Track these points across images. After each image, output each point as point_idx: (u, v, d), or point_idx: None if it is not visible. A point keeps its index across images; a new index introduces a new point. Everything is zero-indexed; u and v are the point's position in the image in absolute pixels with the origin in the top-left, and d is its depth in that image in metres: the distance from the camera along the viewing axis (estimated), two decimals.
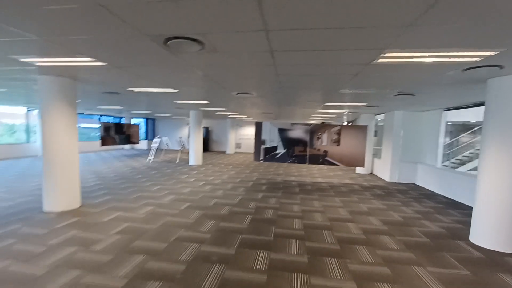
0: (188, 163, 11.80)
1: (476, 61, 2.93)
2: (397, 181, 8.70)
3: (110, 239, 3.60)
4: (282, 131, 8.57)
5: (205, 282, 2.68)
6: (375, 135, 11.05)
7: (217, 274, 2.82)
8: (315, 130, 8.30)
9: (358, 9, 1.82)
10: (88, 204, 5.14)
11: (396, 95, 5.37)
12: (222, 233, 3.94)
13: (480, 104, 5.91)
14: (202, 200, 5.74)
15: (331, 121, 15.99)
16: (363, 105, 7.30)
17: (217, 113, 12.27)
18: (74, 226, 3.99)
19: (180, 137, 14.99)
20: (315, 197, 6.38)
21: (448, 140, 11.49)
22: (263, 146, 8.70)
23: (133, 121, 19.05)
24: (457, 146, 12.46)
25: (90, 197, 5.62)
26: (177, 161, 12.41)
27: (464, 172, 6.92)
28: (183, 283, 2.65)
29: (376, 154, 10.80)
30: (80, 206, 4.96)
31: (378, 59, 2.92)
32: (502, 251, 3.64)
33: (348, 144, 8.04)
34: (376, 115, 10.35)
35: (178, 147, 15.18)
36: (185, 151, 14.49)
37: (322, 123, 15.47)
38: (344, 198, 6.34)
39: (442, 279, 2.89)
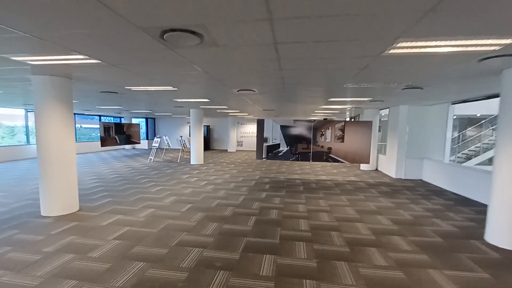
0: (189, 162, 11.64)
1: (494, 50, 2.73)
2: (403, 178, 8.50)
3: (108, 245, 3.44)
4: (284, 128, 8.38)
5: None
6: (379, 131, 10.84)
7: (221, 282, 2.65)
8: (318, 127, 8.11)
9: None
10: (86, 207, 4.99)
11: (403, 89, 5.16)
12: (226, 236, 3.78)
13: (491, 96, 5.69)
14: (204, 201, 5.57)
15: (333, 117, 15.77)
16: (368, 100, 7.10)
17: (218, 111, 12.08)
18: (72, 232, 3.84)
19: (181, 136, 14.83)
20: (320, 195, 6.20)
21: (453, 135, 11.29)
22: (265, 144, 8.52)
23: (134, 120, 18.89)
24: (463, 140, 12.24)
25: (89, 200, 5.46)
26: (178, 161, 12.25)
27: (475, 168, 6.72)
28: None
29: (380, 150, 10.60)
30: (78, 210, 4.81)
31: (390, 50, 2.72)
32: None
33: (352, 140, 7.85)
34: (380, 110, 10.13)
35: (179, 146, 15.02)
36: (186, 150, 14.33)
37: (325, 119, 15.27)
38: (350, 196, 6.16)
39: (461, 284, 2.72)
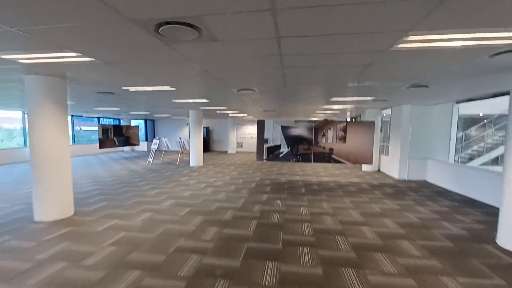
0: (188, 164, 11.48)
1: (508, 44, 2.58)
2: (406, 179, 8.34)
3: (103, 251, 3.28)
4: (285, 129, 8.23)
5: None
6: (380, 131, 10.70)
7: None
8: (319, 127, 7.96)
9: None
10: (82, 211, 4.82)
11: (408, 88, 5.02)
12: (226, 242, 3.62)
13: (498, 94, 5.55)
14: (204, 204, 5.41)
15: (334, 118, 15.63)
16: (371, 99, 6.94)
17: (218, 112, 11.93)
18: (65, 238, 3.67)
19: (180, 138, 14.67)
20: (323, 197, 6.04)
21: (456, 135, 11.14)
22: (266, 145, 8.37)
23: (133, 122, 18.74)
24: (465, 140, 12.09)
25: (85, 204, 5.30)
26: (177, 163, 12.09)
27: (481, 168, 6.56)
28: None
29: (382, 150, 10.45)
30: (73, 214, 4.64)
31: (399, 44, 2.57)
32: None
33: (354, 141, 7.71)
34: (383, 109, 9.98)
35: (178, 148, 14.86)
36: (185, 152, 14.16)
37: (325, 119, 15.13)
38: (354, 198, 6.00)
39: None
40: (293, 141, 8.15)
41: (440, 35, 2.35)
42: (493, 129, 11.62)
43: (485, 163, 10.81)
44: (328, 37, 2.41)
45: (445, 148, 7.42)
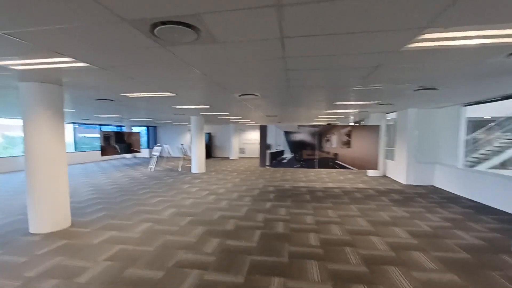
0: (190, 170, 11.31)
1: None
2: (414, 184, 8.11)
3: (98, 267, 3.09)
4: (288, 134, 8.06)
5: None
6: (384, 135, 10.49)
7: None
8: (323, 132, 7.79)
9: None
10: (79, 222, 4.65)
11: (416, 90, 4.84)
12: (229, 255, 3.42)
13: (508, 97, 5.35)
14: (205, 213, 5.21)
15: (337, 122, 15.45)
16: (376, 103, 6.77)
17: (220, 118, 11.80)
18: (59, 252, 3.49)
19: (182, 144, 14.53)
20: (328, 205, 5.83)
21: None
22: (269, 151, 8.20)
23: (134, 129, 18.66)
24: (472, 143, 11.83)
25: (82, 214, 5.12)
26: (179, 169, 11.92)
27: (493, 172, 6.31)
28: None
29: (387, 155, 10.24)
30: (70, 226, 4.47)
31: (411, 43, 2.41)
32: None
33: (359, 145, 7.52)
34: (387, 113, 9.79)
35: (180, 155, 14.72)
36: (187, 158, 14.00)
37: (328, 124, 14.94)
38: (361, 205, 5.78)
39: None
40: (297, 146, 7.97)
41: (456, 33, 2.18)
42: (500, 132, 11.37)
43: (494, 167, 10.54)
44: (336, 36, 2.25)
45: (453, 152, 7.19)
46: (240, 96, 5.52)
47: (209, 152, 18.61)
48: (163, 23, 1.96)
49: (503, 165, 10.55)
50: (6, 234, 4.13)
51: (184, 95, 5.55)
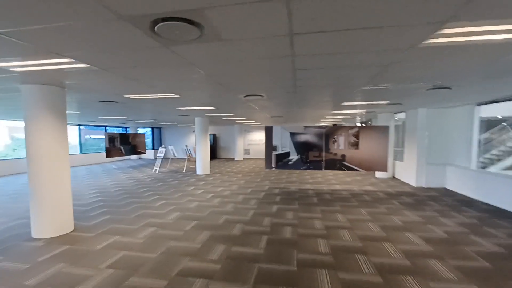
0: (195, 172, 11.21)
1: None
2: (424, 186, 7.87)
3: (100, 275, 2.98)
4: (294, 135, 7.90)
5: None
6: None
7: None
8: (330, 133, 7.61)
9: None
10: (82, 227, 4.56)
11: (428, 90, 4.64)
12: (235, 262, 3.27)
13: None
14: (210, 217, 5.09)
15: (343, 123, 15.22)
16: (385, 103, 6.57)
17: (224, 119, 11.68)
18: (61, 258, 3.39)
19: (186, 146, 14.46)
20: (337, 208, 5.65)
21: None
22: (274, 153, 8.04)
23: (139, 130, 18.68)
24: (484, 144, 11.50)
25: (86, 218, 5.04)
26: (184, 171, 11.84)
27: (510, 174, 6.06)
28: None
29: (395, 156, 10.00)
30: (72, 230, 4.38)
31: (431, 39, 2.24)
32: None
33: (368, 146, 7.32)
34: (395, 114, 9.56)
35: (184, 156, 14.66)
36: (191, 160, 13.92)
37: (334, 125, 14.72)
38: (371, 209, 5.59)
39: None
40: (303, 148, 7.81)
41: (480, 27, 2.00)
42: None
43: (506, 168, 10.20)
44: (349, 32, 2.09)
45: (466, 153, 6.95)
46: (245, 97, 5.39)
47: (214, 153, 18.53)
48: (164, 19, 1.83)
49: None
50: (8, 239, 4.05)
51: (188, 97, 5.43)
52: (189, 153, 13.60)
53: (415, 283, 2.79)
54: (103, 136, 11.41)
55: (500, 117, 11.86)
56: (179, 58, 2.77)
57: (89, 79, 3.74)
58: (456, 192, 7.09)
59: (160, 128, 20.02)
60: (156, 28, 1.93)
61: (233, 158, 18.13)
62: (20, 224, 4.75)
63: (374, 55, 2.71)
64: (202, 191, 7.52)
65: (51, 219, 4.12)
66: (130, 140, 12.53)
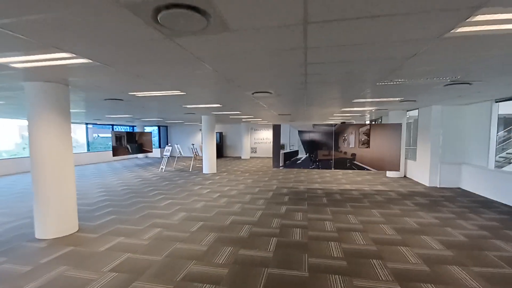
0: (201, 171, 11.11)
1: None
2: (438, 186, 7.59)
3: (103, 279, 2.86)
4: (303, 133, 7.71)
5: None
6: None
7: None
8: (340, 131, 7.39)
9: None
10: (86, 227, 4.47)
11: (446, 85, 4.40)
12: (243, 267, 3.12)
13: None
14: (217, 217, 4.95)
15: (352, 121, 14.91)
16: (398, 100, 6.31)
17: (231, 117, 11.54)
18: (64, 260, 3.29)
19: (193, 144, 14.38)
20: (347, 209, 5.45)
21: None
22: (282, 151, 7.86)
23: (146, 129, 18.70)
24: (501, 142, 11.09)
25: (91, 218, 4.96)
26: (190, 170, 11.75)
27: None
28: None
29: (407, 154, 9.71)
30: (77, 231, 4.29)
31: (459, 27, 2.03)
32: None
33: (379, 145, 7.09)
34: (408, 111, 9.26)
35: (191, 154, 14.59)
36: (198, 158, 13.84)
37: (342, 123, 14.43)
38: (383, 210, 5.37)
39: None
40: (312, 146, 7.61)
41: None
42: None
43: None
44: (371, 20, 1.90)
45: (483, 152, 6.65)
46: (253, 94, 5.22)
47: (220, 152, 18.42)
48: (167, 7, 1.67)
49: None
50: (11, 240, 3.98)
51: (194, 94, 5.29)
52: (195, 152, 13.51)
53: None
54: (111, 135, 11.43)
55: None
56: (185, 52, 2.62)
57: (92, 76, 3.63)
58: (472, 193, 6.80)
59: (166, 127, 20.01)
60: (159, 17, 1.77)
61: (240, 157, 18.00)
62: (24, 224, 4.69)
63: (396, 46, 2.50)
64: (208, 190, 7.40)
65: (55, 220, 4.04)
66: (136, 139, 12.53)
